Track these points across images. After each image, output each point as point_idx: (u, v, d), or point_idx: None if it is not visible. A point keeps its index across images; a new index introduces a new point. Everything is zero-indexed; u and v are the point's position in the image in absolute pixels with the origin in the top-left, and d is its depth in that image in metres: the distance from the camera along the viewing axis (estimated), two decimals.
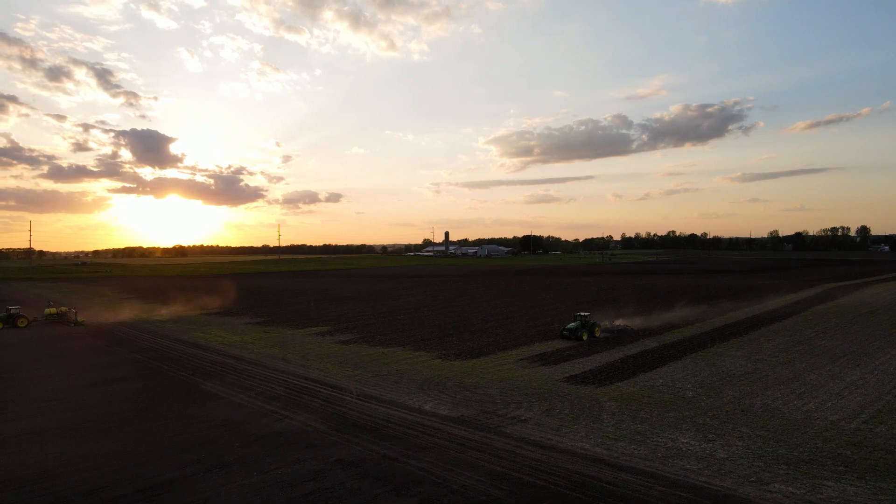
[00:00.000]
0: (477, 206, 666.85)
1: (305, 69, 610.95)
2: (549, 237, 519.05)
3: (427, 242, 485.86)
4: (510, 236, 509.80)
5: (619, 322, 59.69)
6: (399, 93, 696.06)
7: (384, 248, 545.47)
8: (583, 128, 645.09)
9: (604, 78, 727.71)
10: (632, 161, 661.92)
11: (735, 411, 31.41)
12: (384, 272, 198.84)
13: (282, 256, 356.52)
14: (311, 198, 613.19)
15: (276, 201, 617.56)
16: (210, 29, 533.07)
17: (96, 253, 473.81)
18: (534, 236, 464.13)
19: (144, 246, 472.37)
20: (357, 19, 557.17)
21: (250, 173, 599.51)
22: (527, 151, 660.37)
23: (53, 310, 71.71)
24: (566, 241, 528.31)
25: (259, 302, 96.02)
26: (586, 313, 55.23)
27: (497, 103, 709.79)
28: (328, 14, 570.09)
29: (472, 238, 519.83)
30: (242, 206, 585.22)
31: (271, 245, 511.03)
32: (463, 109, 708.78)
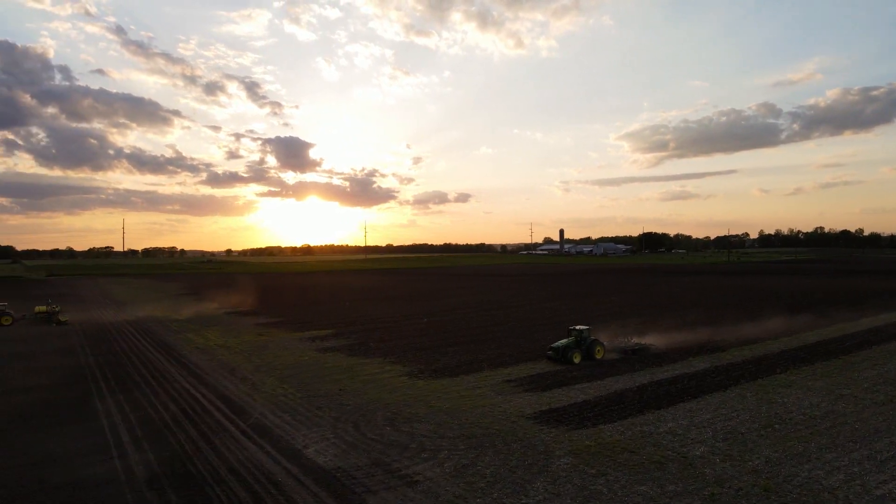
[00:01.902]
0: (608, 204, 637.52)
1: (434, 72, 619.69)
2: (677, 235, 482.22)
3: (547, 241, 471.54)
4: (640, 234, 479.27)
5: (635, 340, 45.68)
6: (527, 91, 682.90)
7: (503, 247, 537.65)
8: (724, 119, 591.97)
9: (748, 64, 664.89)
10: (780, 153, 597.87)
11: (753, 490, 19.45)
12: (471, 271, 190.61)
13: (398, 255, 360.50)
14: (441, 198, 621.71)
15: (407, 202, 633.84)
16: (345, 38, 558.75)
17: (231, 252, 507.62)
18: (655, 234, 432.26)
19: (281, 245, 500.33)
20: (485, 19, 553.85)
21: (382, 175, 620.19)
22: (661, 146, 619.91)
23: (44, 308, 70.01)
24: (696, 240, 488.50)
25: (297, 300, 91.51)
26: (584, 327, 41.91)
27: (629, 97, 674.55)
28: (456, 16, 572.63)
29: (601, 236, 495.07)
30: (375, 207, 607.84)
31: (395, 245, 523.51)
32: (593, 105, 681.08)
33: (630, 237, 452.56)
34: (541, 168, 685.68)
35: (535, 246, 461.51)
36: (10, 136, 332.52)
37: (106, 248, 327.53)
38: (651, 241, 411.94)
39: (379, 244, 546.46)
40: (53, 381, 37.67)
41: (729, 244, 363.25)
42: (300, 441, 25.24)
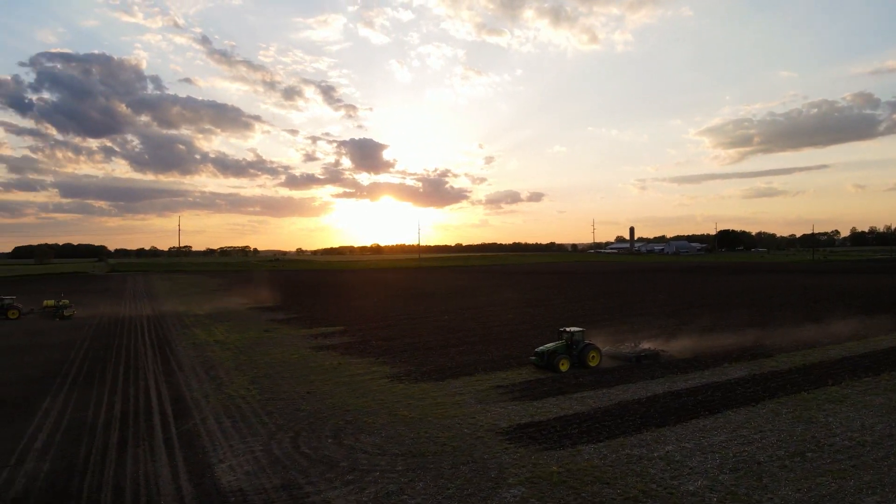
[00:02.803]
0: (686, 202, 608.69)
1: (506, 70, 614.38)
2: (759, 233, 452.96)
3: (619, 239, 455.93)
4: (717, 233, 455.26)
5: (647, 345, 39.29)
6: (601, 87, 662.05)
7: (574, 246, 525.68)
8: (814, 111, 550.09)
9: (841, 51, 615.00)
10: (880, 145, 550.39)
11: None
12: (526, 269, 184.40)
13: (460, 255, 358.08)
14: (513, 197, 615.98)
15: (480, 202, 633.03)
16: (417, 39, 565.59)
17: (301, 251, 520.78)
18: (733, 232, 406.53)
19: (353, 245, 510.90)
20: (558, 15, 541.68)
21: (455, 175, 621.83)
22: (745, 141, 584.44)
23: (52, 302, 69.90)
24: (780, 238, 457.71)
25: (329, 297, 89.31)
26: (577, 329, 36.05)
27: (710, 91, 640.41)
28: (529, 13, 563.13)
29: (677, 234, 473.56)
30: (448, 208, 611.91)
31: (464, 244, 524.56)
32: (671, 100, 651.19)
33: (707, 236, 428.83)
34: (616, 166, 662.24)
35: (604, 245, 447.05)
36: (108, 144, 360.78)
37: (185, 247, 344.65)
38: (728, 240, 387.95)
39: (448, 244, 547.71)
40: (22, 376, 35.99)
41: (815, 242, 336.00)
42: (220, 455, 21.66)
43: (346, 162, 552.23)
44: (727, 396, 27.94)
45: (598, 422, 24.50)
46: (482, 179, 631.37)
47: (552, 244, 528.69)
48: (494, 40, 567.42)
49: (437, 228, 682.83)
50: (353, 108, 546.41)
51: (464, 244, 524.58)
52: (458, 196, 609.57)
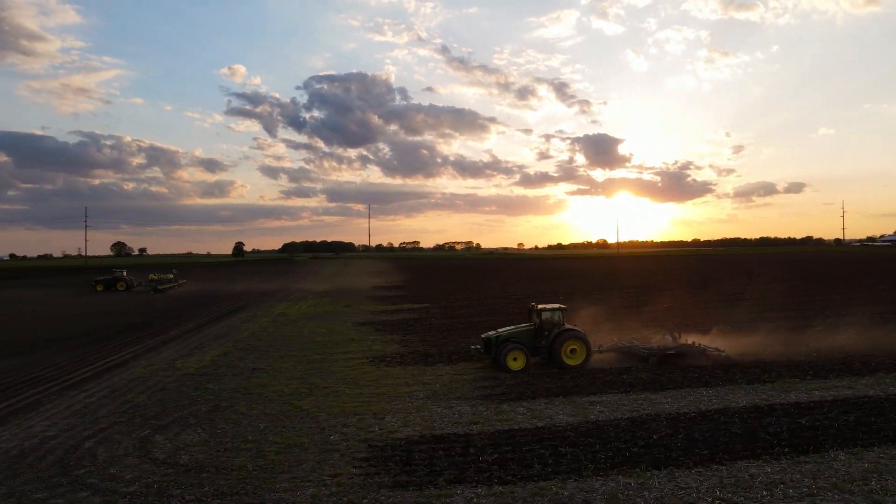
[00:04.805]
0: None
1: (759, 48, 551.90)
2: None
3: None
4: None
5: (695, 341, 24.81)
6: (883, 56, 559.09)
7: (838, 240, 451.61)
8: None
9: None
10: None
11: None
12: (735, 261, 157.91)
13: (684, 249, 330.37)
14: (767, 189, 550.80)
15: (726, 195, 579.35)
16: (655, 25, 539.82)
17: (521, 246, 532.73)
18: None
19: (577, 241, 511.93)
20: None
21: (697, 167, 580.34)
22: None
23: (157, 276, 74.37)
24: None
25: (462, 279, 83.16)
26: (554, 307, 24.39)
27: None
28: None
29: None
30: (689, 202, 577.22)
31: (702, 240, 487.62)
32: None
33: None
34: None
35: (878, 238, 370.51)
36: (364, 153, 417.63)
37: (414, 242, 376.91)
38: None
39: (684, 239, 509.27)
40: (51, 335, 35.79)
41: None
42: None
43: (580, 158, 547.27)
44: (799, 429, 14.90)
45: (527, 450, 14.11)
46: (729, 171, 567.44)
47: (809, 238, 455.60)
48: (744, 16, 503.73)
49: (677, 224, 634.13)
50: (587, 103, 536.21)
51: (701, 240, 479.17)
52: (701, 190, 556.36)
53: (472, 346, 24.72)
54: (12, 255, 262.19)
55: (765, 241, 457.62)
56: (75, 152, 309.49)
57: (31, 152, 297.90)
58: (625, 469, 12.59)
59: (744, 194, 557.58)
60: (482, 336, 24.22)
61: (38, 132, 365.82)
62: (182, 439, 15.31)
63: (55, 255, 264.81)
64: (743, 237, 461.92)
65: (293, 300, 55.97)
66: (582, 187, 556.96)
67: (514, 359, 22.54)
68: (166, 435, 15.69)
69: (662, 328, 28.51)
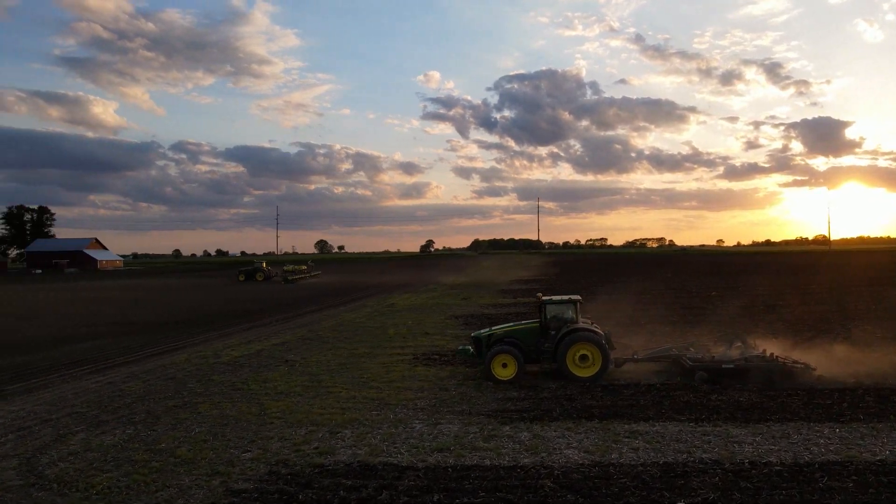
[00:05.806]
0: None
1: None
2: None
3: None
4: None
5: (763, 349, 16.71)
6: None
7: None
8: None
9: None
10: None
11: None
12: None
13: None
14: None
15: None
16: None
17: (721, 242, 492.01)
18: None
19: (798, 237, 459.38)
20: None
21: None
22: None
23: (290, 268, 77.25)
24: None
25: (614, 275, 74.72)
26: (563, 298, 18.78)
27: None
28: None
29: None
30: None
31: None
32: None
33: None
34: None
35: None
36: (555, 150, 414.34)
37: (601, 239, 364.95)
38: None
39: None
40: (159, 319, 37.19)
41: None
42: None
43: (797, 146, 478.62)
44: None
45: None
46: None
47: None
48: None
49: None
50: (805, 83, 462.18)
51: None
52: None
53: (460, 347, 19.59)
54: (242, 253, 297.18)
55: None
56: (295, 161, 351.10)
57: (262, 163, 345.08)
58: None
59: None
60: (472, 335, 19.04)
61: (267, 145, 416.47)
62: (90, 442, 12.89)
63: (275, 253, 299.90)
64: None
65: (416, 292, 53.96)
66: (799, 178, 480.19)
67: (503, 364, 16.96)
68: (87, 435, 13.42)
69: (732, 333, 20.55)
